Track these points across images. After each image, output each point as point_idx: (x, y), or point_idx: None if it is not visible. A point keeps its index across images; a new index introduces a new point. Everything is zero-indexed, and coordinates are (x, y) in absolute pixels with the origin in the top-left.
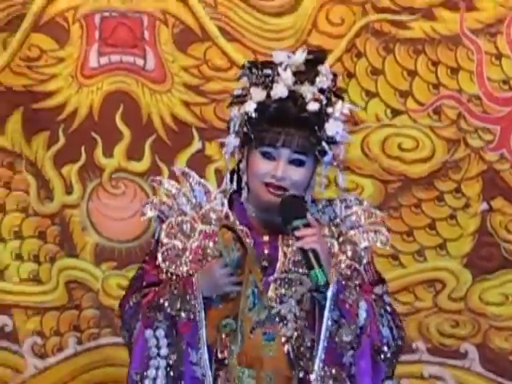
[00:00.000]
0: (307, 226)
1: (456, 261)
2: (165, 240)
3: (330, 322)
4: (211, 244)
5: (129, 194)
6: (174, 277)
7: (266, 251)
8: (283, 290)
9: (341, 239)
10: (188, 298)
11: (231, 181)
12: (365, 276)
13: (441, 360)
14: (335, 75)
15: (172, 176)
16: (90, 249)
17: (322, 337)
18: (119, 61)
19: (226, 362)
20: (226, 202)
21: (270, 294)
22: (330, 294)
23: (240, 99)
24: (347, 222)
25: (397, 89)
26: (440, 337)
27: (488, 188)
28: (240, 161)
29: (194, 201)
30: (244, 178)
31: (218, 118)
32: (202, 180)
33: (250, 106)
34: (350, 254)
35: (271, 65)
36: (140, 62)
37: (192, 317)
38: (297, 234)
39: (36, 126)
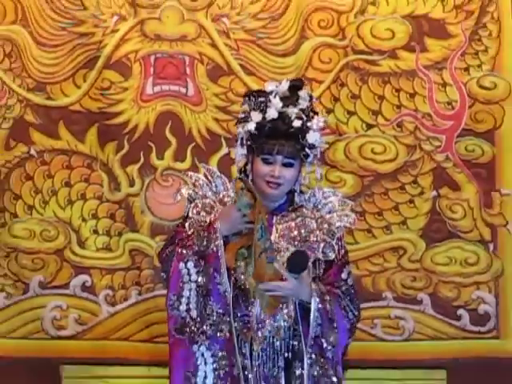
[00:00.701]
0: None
1: (414, 233)
2: (191, 215)
3: (315, 326)
4: None
5: (175, 185)
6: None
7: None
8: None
9: (319, 220)
10: (212, 237)
11: (240, 175)
12: (336, 248)
13: (403, 305)
14: (311, 97)
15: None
16: (146, 226)
17: (311, 334)
18: (168, 89)
19: (243, 282)
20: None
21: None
22: (314, 306)
23: (243, 120)
24: (325, 208)
25: (370, 109)
26: (402, 288)
27: (437, 180)
28: (246, 164)
29: (214, 189)
30: (250, 176)
31: None
32: (221, 174)
33: (251, 126)
34: (325, 230)
35: (264, 93)
36: (183, 90)
37: (215, 249)
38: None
39: (107, 137)
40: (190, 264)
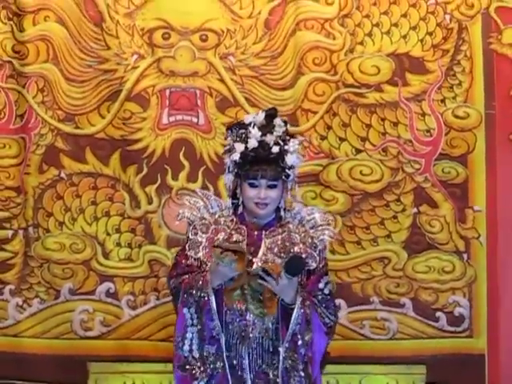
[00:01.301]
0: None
1: (397, 245)
2: (191, 236)
3: (294, 324)
4: (218, 236)
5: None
6: (195, 261)
7: (255, 240)
8: (261, 263)
9: (303, 235)
10: (204, 288)
11: (233, 199)
12: (317, 258)
13: (388, 308)
14: (285, 122)
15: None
16: (163, 239)
17: (290, 331)
18: (181, 119)
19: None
20: (231, 210)
21: (254, 266)
22: (297, 306)
23: (229, 151)
24: (309, 224)
25: (358, 136)
26: (387, 293)
27: (417, 198)
28: (235, 188)
29: (211, 210)
30: (241, 199)
31: None
32: (217, 197)
33: (236, 156)
34: (308, 243)
35: (244, 125)
36: (195, 119)
37: (207, 299)
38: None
39: (129, 161)
40: (192, 310)
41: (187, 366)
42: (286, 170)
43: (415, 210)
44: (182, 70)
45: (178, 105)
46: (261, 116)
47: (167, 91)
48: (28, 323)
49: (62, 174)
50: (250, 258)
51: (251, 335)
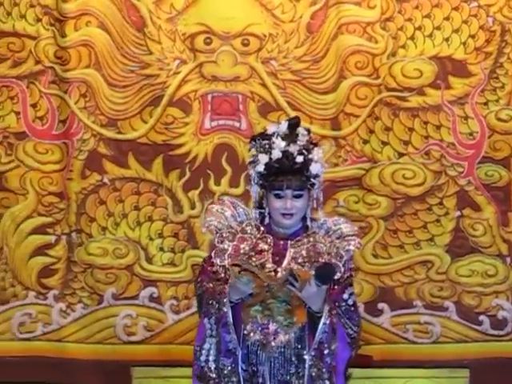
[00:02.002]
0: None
1: (440, 248)
2: (217, 244)
3: (321, 332)
4: (244, 245)
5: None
6: (221, 268)
7: (280, 250)
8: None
9: (329, 245)
10: (222, 300)
11: (259, 208)
12: (342, 269)
13: (431, 312)
14: (309, 131)
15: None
16: (206, 243)
17: (316, 340)
18: (224, 124)
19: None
20: (258, 219)
21: (279, 275)
22: (324, 315)
23: (253, 162)
24: (335, 234)
25: (401, 139)
26: (431, 297)
27: (460, 202)
28: (262, 199)
29: (238, 219)
30: (267, 210)
31: None
32: (244, 206)
33: (260, 167)
34: (333, 254)
35: (267, 136)
36: (237, 124)
37: (224, 311)
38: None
39: (171, 166)
40: (212, 321)
41: (203, 377)
42: (311, 179)
43: (458, 213)
44: (224, 74)
45: (220, 110)
46: (284, 125)
47: (209, 96)
48: (71, 328)
49: (105, 179)
50: (275, 267)
51: (273, 344)
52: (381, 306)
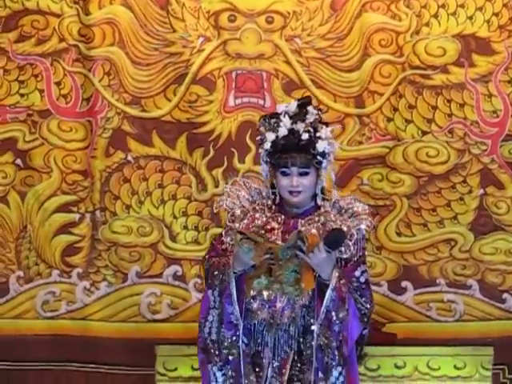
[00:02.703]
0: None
1: (464, 227)
2: (228, 223)
3: (328, 300)
4: (254, 223)
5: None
6: (231, 246)
7: (290, 229)
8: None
9: (340, 224)
10: (226, 271)
11: (272, 188)
12: (352, 249)
13: (455, 290)
14: (320, 110)
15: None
16: None
17: (323, 308)
18: (248, 101)
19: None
20: (270, 197)
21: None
22: (332, 282)
23: (261, 141)
24: (347, 213)
25: (424, 117)
26: (454, 275)
27: (484, 180)
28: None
29: (250, 198)
30: (277, 189)
31: None
32: (256, 184)
33: (267, 145)
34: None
35: (276, 114)
36: (261, 102)
37: (227, 283)
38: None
39: (195, 144)
40: (216, 293)
41: (206, 349)
42: (318, 157)
43: (482, 191)
44: (249, 52)
45: (245, 87)
46: (293, 105)
47: (233, 74)
48: (96, 306)
49: (129, 158)
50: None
51: (279, 322)
52: (404, 284)
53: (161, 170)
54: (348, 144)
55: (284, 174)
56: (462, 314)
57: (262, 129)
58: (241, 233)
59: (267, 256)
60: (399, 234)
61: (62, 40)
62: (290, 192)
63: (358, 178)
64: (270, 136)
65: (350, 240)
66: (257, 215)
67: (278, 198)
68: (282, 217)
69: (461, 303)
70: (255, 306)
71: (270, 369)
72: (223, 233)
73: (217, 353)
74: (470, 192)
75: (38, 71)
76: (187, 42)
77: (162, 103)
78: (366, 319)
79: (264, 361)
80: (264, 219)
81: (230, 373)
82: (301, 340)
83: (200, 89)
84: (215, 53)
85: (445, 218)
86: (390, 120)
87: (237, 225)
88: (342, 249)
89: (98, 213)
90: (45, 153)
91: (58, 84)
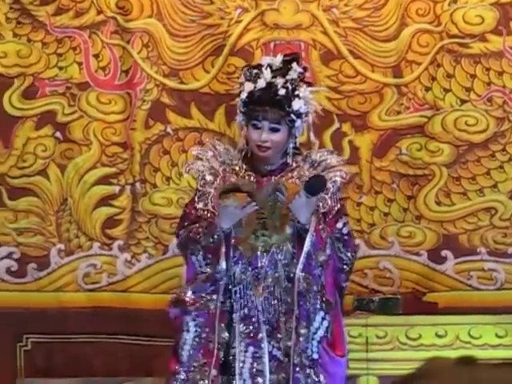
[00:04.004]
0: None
1: (504, 195)
2: (200, 188)
3: (309, 244)
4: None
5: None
6: (206, 212)
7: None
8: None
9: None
10: (213, 232)
11: (247, 144)
12: (329, 202)
13: (495, 259)
14: (305, 68)
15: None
16: None
17: (304, 253)
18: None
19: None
20: (240, 156)
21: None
22: (311, 227)
23: (240, 90)
24: (321, 166)
25: (463, 86)
26: (494, 244)
27: None
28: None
29: (219, 159)
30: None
31: (349, 107)
32: (225, 145)
33: (243, 95)
34: None
35: (259, 66)
36: None
37: (218, 244)
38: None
39: (233, 115)
40: (200, 257)
41: (178, 301)
42: (291, 115)
43: None
44: (286, 22)
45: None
46: (278, 59)
47: (271, 44)
48: (136, 278)
49: (168, 129)
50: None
51: (263, 283)
52: (444, 253)
53: (199, 141)
54: (386, 114)
55: (255, 126)
56: (502, 283)
57: (242, 78)
58: (220, 193)
59: (249, 200)
60: (439, 204)
61: (99, 12)
62: (259, 146)
63: (396, 148)
64: (248, 86)
65: (326, 194)
66: (227, 176)
67: (249, 151)
68: (254, 175)
69: (502, 272)
70: (237, 270)
71: (264, 332)
72: (196, 198)
73: (191, 302)
74: (510, 160)
75: (76, 44)
76: (225, 14)
77: (200, 75)
78: (347, 269)
79: (256, 325)
80: (236, 179)
81: (201, 326)
82: (284, 307)
83: (238, 60)
84: (253, 24)
85: (484, 186)
86: (428, 89)
87: (207, 189)
88: (320, 204)
89: (138, 185)
90: (84, 125)
91: (96, 56)
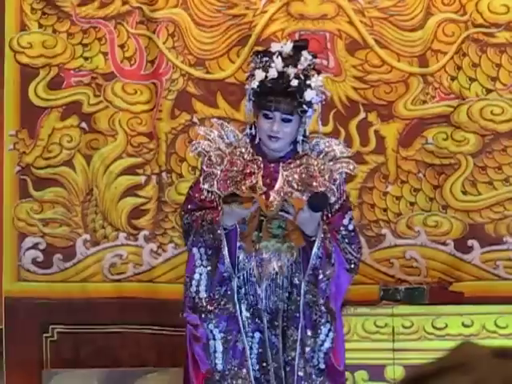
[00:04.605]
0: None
1: None
2: (205, 168)
3: (315, 257)
4: (234, 168)
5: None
6: (210, 194)
7: (271, 172)
8: (279, 199)
9: (322, 167)
10: (216, 230)
11: (250, 128)
12: (336, 193)
13: None
14: (314, 56)
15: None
16: None
17: (310, 265)
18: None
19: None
20: (248, 141)
21: (271, 198)
22: (318, 240)
23: (250, 77)
24: (328, 156)
25: (489, 76)
26: None
27: None
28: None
29: (226, 140)
30: (258, 130)
31: (374, 97)
32: (232, 127)
33: (254, 84)
34: (327, 177)
35: (269, 53)
36: (325, 62)
37: (219, 243)
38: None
39: None
40: (202, 250)
41: (196, 307)
42: (303, 106)
43: None
44: (311, 12)
45: (308, 48)
46: (289, 46)
47: (297, 35)
48: (163, 269)
49: (194, 119)
50: (266, 189)
51: (266, 271)
52: (470, 242)
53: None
54: (412, 103)
55: (266, 116)
56: None
57: (252, 64)
58: (225, 197)
59: (255, 203)
60: (465, 193)
61: (125, 3)
62: (270, 136)
63: (422, 138)
64: (260, 74)
65: (333, 184)
66: (234, 159)
67: (257, 139)
68: (261, 160)
69: None
70: (241, 256)
71: (265, 320)
72: (201, 179)
73: (209, 309)
74: None
75: (101, 34)
76: (250, 4)
77: (225, 65)
78: (354, 268)
79: (260, 312)
80: (243, 163)
81: (226, 330)
82: (286, 295)
83: None
84: (278, 14)
85: (510, 175)
86: (453, 79)
87: (214, 170)
88: (328, 194)
89: (164, 175)
90: (110, 116)
91: (121, 47)
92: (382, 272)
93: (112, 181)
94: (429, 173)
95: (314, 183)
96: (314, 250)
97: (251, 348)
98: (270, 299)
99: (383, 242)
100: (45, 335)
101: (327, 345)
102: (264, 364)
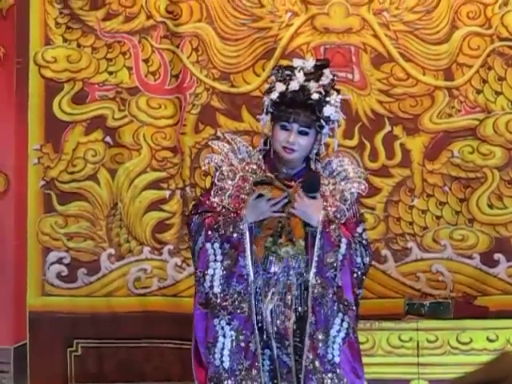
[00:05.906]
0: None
1: None
2: (217, 182)
3: (318, 248)
4: (246, 185)
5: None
6: (221, 208)
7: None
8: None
9: (333, 187)
10: (238, 224)
11: (265, 144)
12: (347, 213)
13: None
14: (334, 75)
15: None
16: None
17: (315, 257)
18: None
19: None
20: (261, 157)
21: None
22: (319, 229)
23: (269, 90)
24: (340, 176)
25: None
26: None
27: None
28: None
29: (239, 156)
30: (272, 143)
31: (400, 111)
32: (245, 142)
33: (274, 95)
34: (338, 197)
35: (291, 68)
36: (350, 75)
37: (241, 236)
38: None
39: None
40: (216, 245)
41: (208, 303)
42: (321, 121)
43: None
44: (336, 26)
45: (333, 61)
46: (311, 63)
47: (322, 48)
48: (187, 283)
49: (219, 133)
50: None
51: (273, 289)
52: (497, 256)
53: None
54: (438, 117)
55: (284, 127)
56: None
57: (272, 77)
58: (256, 182)
59: (285, 194)
60: (491, 207)
61: (149, 17)
62: (285, 148)
63: (448, 151)
64: (280, 87)
65: (344, 204)
66: (247, 175)
67: (272, 152)
68: (273, 176)
69: None
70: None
71: (273, 342)
72: (212, 192)
73: (223, 305)
74: None
75: (125, 49)
76: (275, 17)
77: (250, 78)
78: (357, 275)
79: (266, 334)
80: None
81: (238, 329)
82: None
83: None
84: (303, 27)
85: None
86: (479, 92)
87: (225, 185)
88: (338, 215)
89: (188, 189)
90: (134, 130)
91: (146, 61)
92: (408, 286)
93: (136, 195)
94: (455, 186)
95: (325, 203)
96: (317, 238)
97: (263, 365)
98: (279, 318)
99: (409, 256)
100: (69, 349)
101: (342, 335)
102: (275, 381)
